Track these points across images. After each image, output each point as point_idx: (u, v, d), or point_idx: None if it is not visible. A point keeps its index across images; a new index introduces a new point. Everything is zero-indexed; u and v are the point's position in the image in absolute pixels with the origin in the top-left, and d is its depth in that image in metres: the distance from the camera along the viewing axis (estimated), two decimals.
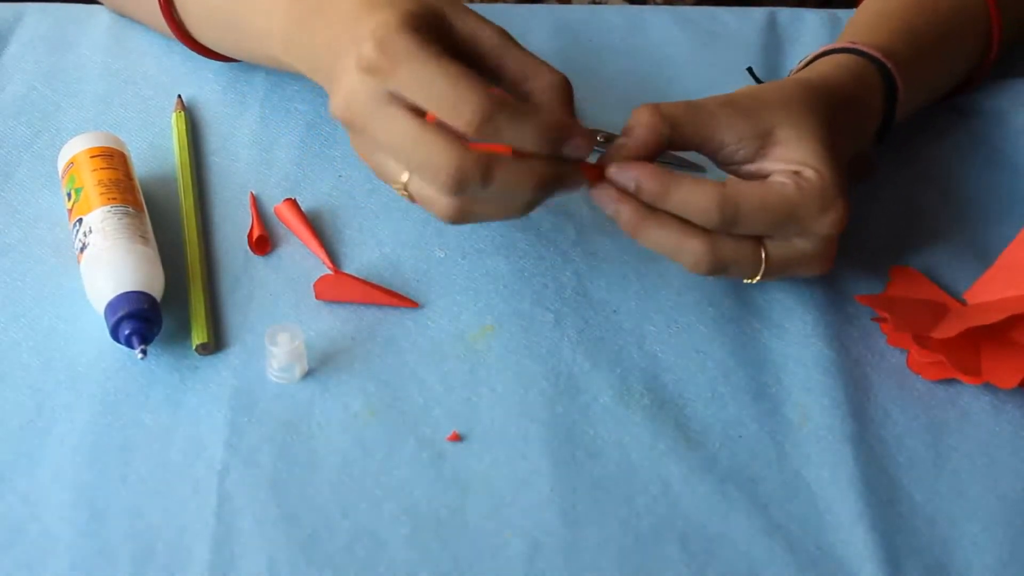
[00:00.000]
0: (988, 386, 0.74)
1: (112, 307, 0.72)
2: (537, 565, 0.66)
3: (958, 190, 0.86)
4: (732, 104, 0.73)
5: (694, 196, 0.70)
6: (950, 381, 0.75)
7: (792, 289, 0.79)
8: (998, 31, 0.87)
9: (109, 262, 0.74)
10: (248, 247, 0.80)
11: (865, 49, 0.80)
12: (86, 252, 0.75)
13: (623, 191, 0.71)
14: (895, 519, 0.69)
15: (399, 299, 0.77)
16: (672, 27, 0.96)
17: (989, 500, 0.70)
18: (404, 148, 0.68)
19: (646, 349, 0.76)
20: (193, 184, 0.83)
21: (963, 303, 0.78)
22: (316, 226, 0.81)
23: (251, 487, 0.69)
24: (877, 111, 0.80)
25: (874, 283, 0.80)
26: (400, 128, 0.67)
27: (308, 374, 0.74)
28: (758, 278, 0.74)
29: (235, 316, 0.76)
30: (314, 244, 0.80)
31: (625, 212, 0.71)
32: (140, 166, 0.83)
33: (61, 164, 0.81)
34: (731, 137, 0.72)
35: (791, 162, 0.72)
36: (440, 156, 0.66)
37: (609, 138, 0.86)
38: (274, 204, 0.82)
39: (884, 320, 0.77)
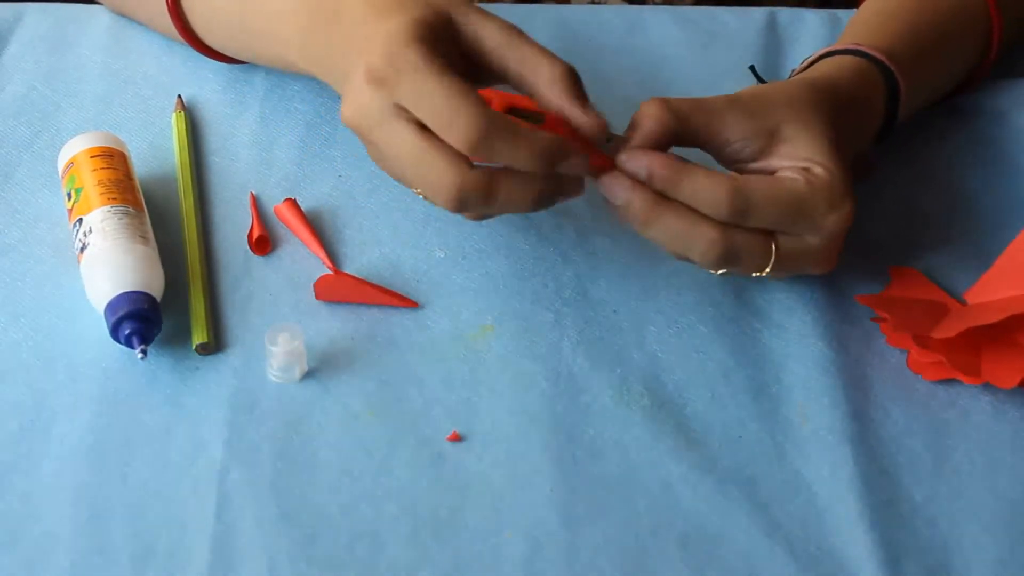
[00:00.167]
0: (988, 386, 0.74)
1: (112, 307, 0.72)
2: (537, 565, 0.66)
3: (958, 190, 0.86)
4: (737, 102, 0.73)
5: (706, 185, 0.70)
6: (950, 381, 0.75)
7: (792, 289, 0.79)
8: (998, 31, 0.87)
9: (109, 262, 0.74)
10: (248, 247, 0.80)
11: (867, 50, 0.80)
12: (86, 252, 0.75)
13: (633, 182, 0.70)
14: (895, 519, 0.69)
15: (399, 299, 0.77)
16: (672, 27, 0.96)
17: (989, 500, 0.70)
18: (407, 163, 0.69)
19: (646, 349, 0.76)
20: (193, 184, 0.83)
21: (963, 303, 0.78)
22: (316, 226, 0.81)
23: (251, 487, 0.69)
24: (879, 112, 0.80)
25: (874, 283, 0.80)
26: (403, 143, 0.68)
27: (308, 374, 0.74)
28: (767, 271, 0.73)
29: (235, 316, 0.76)
30: (314, 244, 0.80)
31: (637, 201, 0.70)
32: (140, 166, 0.83)
33: (61, 164, 0.81)
34: (736, 134, 0.72)
35: (799, 159, 0.72)
36: (441, 175, 0.67)
37: (611, 138, 0.86)
38: (274, 204, 0.82)
39: (884, 320, 0.77)
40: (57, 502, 0.68)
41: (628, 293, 0.78)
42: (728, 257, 0.71)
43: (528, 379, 0.74)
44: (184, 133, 0.86)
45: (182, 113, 0.87)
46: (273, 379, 0.73)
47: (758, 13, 0.97)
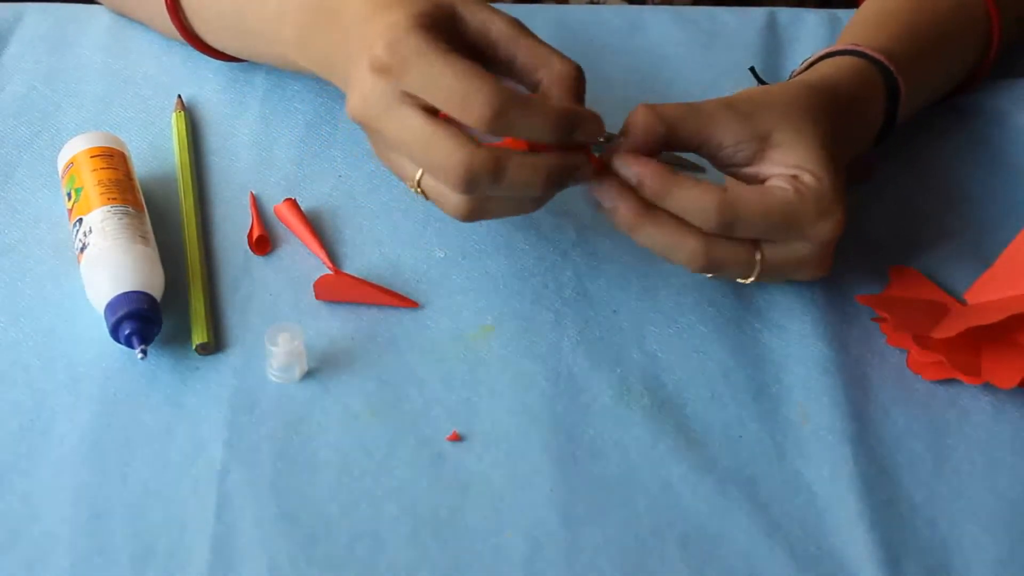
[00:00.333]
0: (988, 386, 0.74)
1: (112, 307, 0.72)
2: (537, 565, 0.66)
3: (958, 190, 0.86)
4: (731, 106, 0.73)
5: (694, 198, 0.70)
6: (950, 381, 0.75)
7: (792, 289, 0.79)
8: (998, 31, 0.87)
9: (109, 262, 0.74)
10: (248, 247, 0.80)
11: (867, 51, 0.80)
12: (86, 252, 0.75)
13: (622, 188, 0.71)
14: (895, 519, 0.69)
15: (399, 299, 0.77)
16: (671, 27, 0.96)
17: (989, 500, 0.70)
18: (416, 147, 0.68)
19: (646, 349, 0.76)
20: (193, 184, 0.83)
21: (963, 303, 0.78)
22: (316, 226, 0.81)
23: (251, 487, 0.69)
24: (879, 113, 0.80)
25: (874, 283, 0.80)
26: (411, 127, 0.68)
27: (308, 374, 0.74)
28: (752, 279, 0.74)
29: (235, 316, 0.76)
30: (314, 244, 0.80)
31: (622, 209, 0.71)
32: (140, 166, 0.83)
33: (61, 164, 0.81)
34: (729, 139, 0.72)
35: (789, 166, 0.72)
36: (450, 154, 0.67)
37: (609, 138, 0.86)
38: (274, 204, 0.82)
39: (884, 320, 0.77)
40: (57, 502, 0.68)
41: (628, 293, 0.79)
42: (710, 267, 0.72)
43: (528, 379, 0.74)
44: (184, 133, 0.86)
45: (182, 113, 0.87)
46: (273, 379, 0.73)
47: (758, 13, 0.97)
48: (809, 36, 0.95)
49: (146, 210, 0.79)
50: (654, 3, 1.01)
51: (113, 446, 0.70)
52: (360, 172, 0.85)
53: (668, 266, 0.79)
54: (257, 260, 0.80)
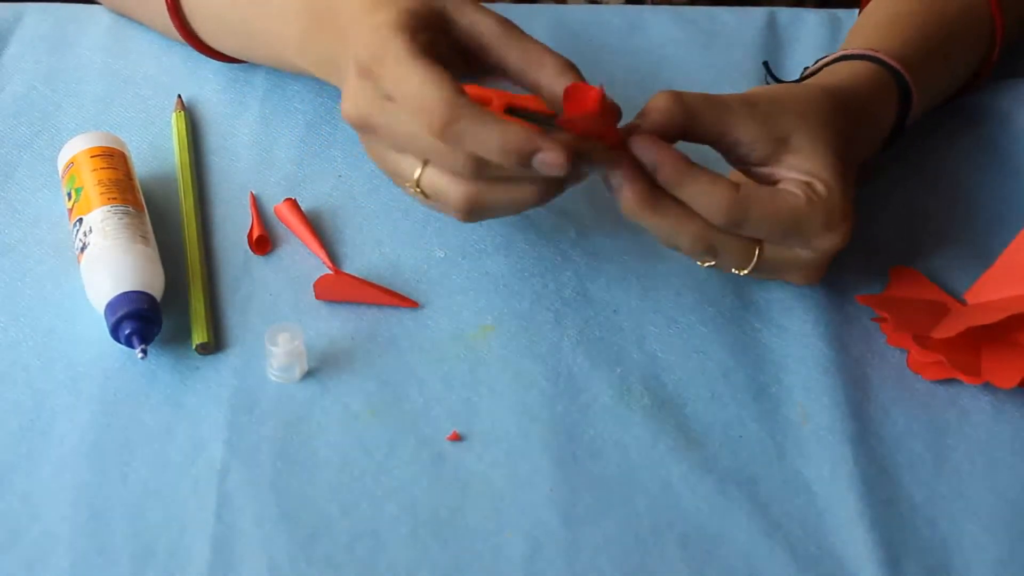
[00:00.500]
0: (988, 386, 0.74)
1: (112, 307, 0.72)
2: (537, 565, 0.66)
3: (958, 190, 0.86)
4: (752, 104, 0.72)
5: (707, 192, 0.69)
6: (950, 381, 0.75)
7: (792, 289, 0.79)
8: (1001, 31, 0.87)
9: (109, 262, 0.74)
10: (248, 247, 0.80)
11: (884, 58, 0.80)
12: (86, 252, 0.75)
13: (633, 170, 0.69)
14: (895, 519, 0.69)
15: (399, 299, 0.77)
16: (672, 27, 0.96)
17: (989, 500, 0.70)
18: (418, 138, 0.68)
19: (646, 349, 0.76)
20: (193, 184, 0.83)
21: (963, 303, 0.78)
22: (316, 226, 0.81)
23: (251, 487, 0.69)
24: (891, 120, 0.80)
25: (874, 283, 0.80)
26: (403, 122, 0.68)
27: (308, 374, 0.74)
28: (746, 272, 0.74)
29: (235, 316, 0.76)
30: (314, 244, 0.80)
31: (628, 192, 0.70)
32: (140, 166, 0.83)
33: (61, 164, 0.81)
34: (747, 137, 0.72)
35: (803, 172, 0.72)
36: (443, 149, 0.67)
37: (548, 120, 0.86)
38: (274, 204, 0.82)
39: (884, 320, 0.77)
40: (57, 502, 0.68)
41: (628, 293, 0.78)
42: (707, 255, 0.72)
43: (528, 379, 0.74)
44: (184, 133, 0.86)
45: (182, 113, 0.87)
46: (273, 379, 0.73)
47: (758, 13, 0.97)
48: (809, 36, 0.95)
49: (146, 210, 0.79)
50: (653, 3, 1.01)
51: (113, 446, 0.70)
52: (360, 172, 0.85)
53: (668, 266, 0.79)
54: (257, 260, 0.80)
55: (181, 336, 0.75)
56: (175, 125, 0.87)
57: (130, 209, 0.77)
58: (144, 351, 0.72)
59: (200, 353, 0.74)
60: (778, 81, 0.86)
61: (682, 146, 0.72)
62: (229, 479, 0.69)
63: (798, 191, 0.71)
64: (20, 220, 0.82)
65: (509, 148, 0.65)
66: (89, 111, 0.89)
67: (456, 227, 0.81)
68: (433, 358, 0.75)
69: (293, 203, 0.81)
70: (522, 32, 0.72)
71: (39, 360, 0.74)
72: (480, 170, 0.67)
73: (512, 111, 0.87)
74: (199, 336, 0.74)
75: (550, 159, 0.65)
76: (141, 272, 0.74)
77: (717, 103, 0.72)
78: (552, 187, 0.69)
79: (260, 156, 0.86)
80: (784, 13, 0.97)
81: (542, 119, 0.84)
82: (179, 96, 0.89)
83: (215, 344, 0.75)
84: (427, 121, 0.66)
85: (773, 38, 0.96)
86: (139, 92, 0.90)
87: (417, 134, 0.67)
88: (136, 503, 0.68)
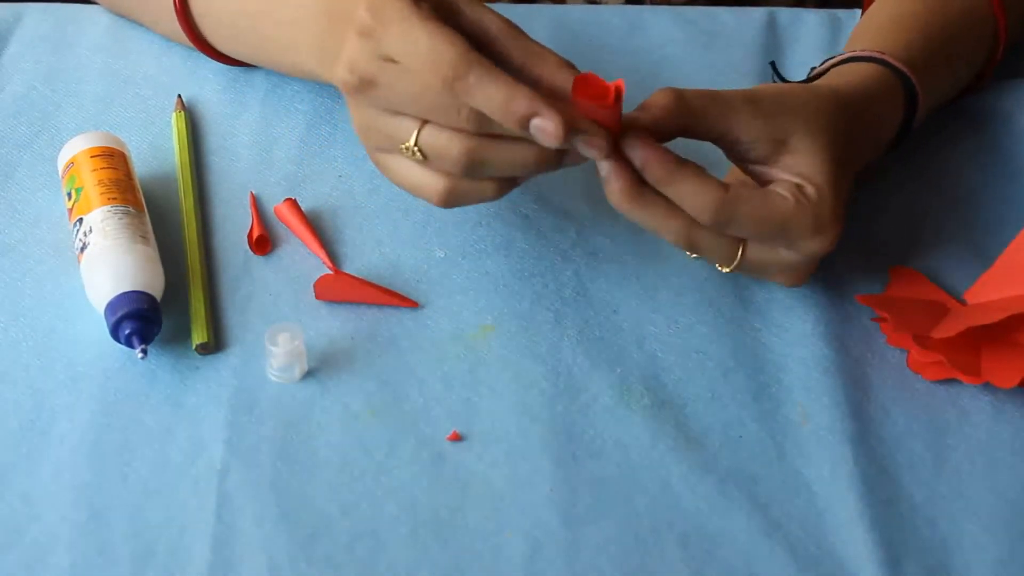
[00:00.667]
0: (988, 386, 0.74)
1: (112, 307, 0.72)
2: (537, 565, 0.66)
3: (958, 190, 0.86)
4: (756, 102, 0.72)
5: (694, 192, 0.69)
6: (950, 381, 0.75)
7: (792, 289, 0.79)
8: (1004, 31, 0.87)
9: (109, 262, 0.74)
10: (248, 247, 0.80)
11: (891, 61, 0.79)
12: (86, 252, 0.75)
13: (621, 162, 0.69)
14: (895, 519, 0.69)
15: (399, 299, 0.77)
16: (671, 27, 0.96)
17: (989, 500, 0.70)
18: (408, 103, 0.68)
19: (646, 349, 0.76)
20: (193, 184, 0.83)
21: (963, 303, 0.78)
22: (316, 226, 0.81)
23: (251, 487, 0.69)
24: (896, 123, 0.80)
25: (874, 283, 0.80)
26: (400, 82, 0.68)
27: (308, 374, 0.74)
28: (729, 269, 0.74)
29: (235, 316, 0.76)
30: (314, 244, 0.80)
31: (615, 185, 0.70)
32: (140, 166, 0.83)
33: (61, 164, 0.81)
34: (747, 136, 0.71)
35: (797, 174, 0.72)
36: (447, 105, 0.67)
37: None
38: (274, 204, 0.82)
39: (884, 320, 0.77)
40: (57, 502, 0.68)
41: (628, 293, 0.79)
42: (690, 249, 0.72)
43: (528, 379, 0.74)
44: (184, 133, 0.86)
45: (182, 113, 0.87)
46: (273, 379, 0.73)
47: (757, 13, 0.97)
48: (809, 36, 0.95)
49: (146, 210, 0.79)
50: (653, 3, 1.01)
51: (113, 446, 0.70)
52: (360, 172, 0.85)
53: (668, 267, 0.79)
54: (257, 260, 0.80)
55: (181, 336, 0.75)
56: (175, 125, 0.87)
57: (130, 209, 0.77)
58: (144, 351, 0.72)
59: (200, 353, 0.74)
60: (784, 81, 0.86)
61: (683, 141, 0.72)
62: (229, 479, 0.69)
63: (787, 194, 0.71)
64: (20, 220, 0.82)
65: (512, 107, 0.66)
66: (89, 111, 0.89)
67: (456, 227, 0.81)
68: (433, 358, 0.75)
69: (293, 203, 0.81)
70: (525, 34, 0.72)
71: (39, 360, 0.74)
72: (481, 126, 0.67)
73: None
74: (199, 336, 0.74)
75: (546, 127, 0.66)
76: (141, 272, 0.74)
77: (720, 101, 0.72)
78: (551, 156, 0.69)
79: (260, 156, 0.86)
80: (784, 13, 0.97)
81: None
82: (179, 96, 0.89)
83: (215, 344, 0.75)
84: (438, 75, 0.66)
85: (773, 38, 0.96)
86: (139, 92, 0.90)
87: (419, 92, 0.67)
88: (136, 503, 0.68)
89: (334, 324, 0.76)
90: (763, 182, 0.73)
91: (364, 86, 0.69)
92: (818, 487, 0.70)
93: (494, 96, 0.66)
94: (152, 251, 0.76)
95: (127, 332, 0.72)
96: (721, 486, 0.70)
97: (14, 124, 0.88)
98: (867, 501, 0.69)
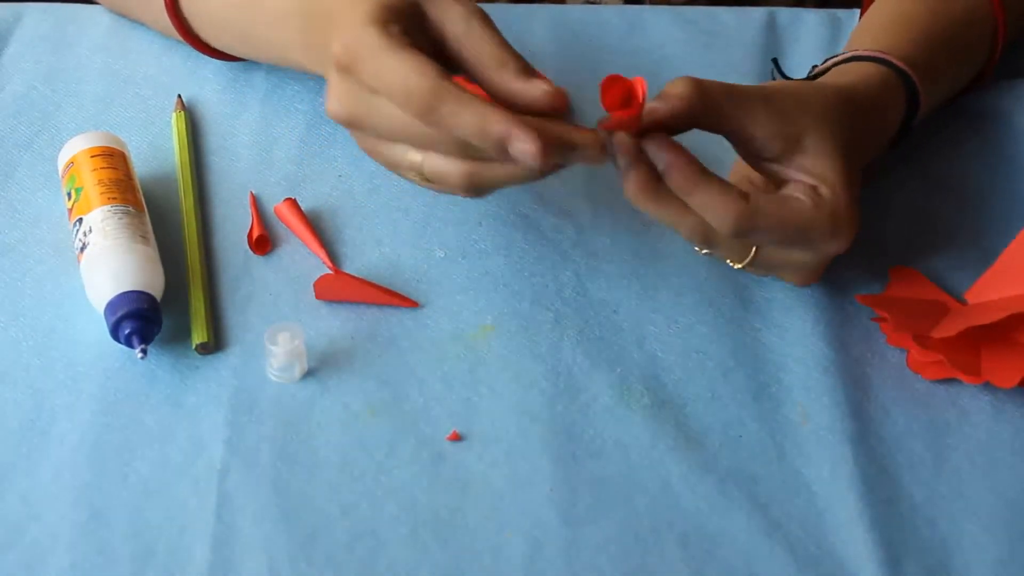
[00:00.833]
0: (988, 386, 0.74)
1: (112, 307, 0.72)
2: (537, 564, 0.66)
3: (959, 190, 0.86)
4: (771, 99, 0.72)
5: (716, 204, 0.68)
6: (950, 381, 0.75)
7: (792, 289, 0.79)
8: (1003, 29, 0.87)
9: (109, 262, 0.74)
10: (248, 247, 0.80)
11: (894, 61, 0.79)
12: (86, 252, 0.75)
13: (639, 158, 0.68)
14: (895, 518, 0.69)
15: (399, 299, 0.77)
16: (671, 27, 0.96)
17: (989, 499, 0.70)
18: (409, 125, 0.67)
19: (646, 349, 0.76)
20: (193, 184, 0.83)
21: (963, 303, 0.78)
22: (316, 226, 0.81)
23: (251, 486, 0.69)
24: (896, 123, 0.80)
25: (874, 283, 0.80)
26: (389, 117, 0.67)
27: (308, 374, 0.74)
28: (740, 267, 0.74)
29: (235, 316, 0.76)
30: (314, 244, 0.80)
31: (632, 179, 0.69)
32: (140, 166, 0.83)
33: (61, 164, 0.81)
34: (762, 133, 0.71)
35: (812, 175, 0.71)
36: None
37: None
38: (274, 204, 0.82)
39: (884, 320, 0.77)
40: (57, 502, 0.68)
41: (628, 293, 0.78)
42: (704, 245, 0.72)
43: (528, 379, 0.74)
44: (184, 133, 0.86)
45: (182, 113, 0.87)
46: (273, 379, 0.73)
47: (757, 13, 0.97)
48: (809, 36, 0.95)
49: (146, 210, 0.79)
50: (652, 3, 1.01)
51: (113, 446, 0.70)
52: (360, 172, 0.85)
53: (668, 267, 0.79)
54: (257, 260, 0.80)
55: (181, 336, 0.75)
56: (175, 125, 0.87)
57: (130, 209, 0.77)
58: (144, 351, 0.72)
59: (200, 353, 0.74)
60: (787, 78, 0.85)
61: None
62: (229, 479, 0.69)
63: (805, 198, 0.71)
64: (20, 220, 0.82)
65: (487, 133, 0.64)
66: (89, 111, 0.89)
67: (456, 227, 0.81)
68: (433, 358, 0.75)
69: (293, 203, 0.81)
70: (487, 27, 0.70)
71: (39, 360, 0.74)
72: (471, 150, 0.67)
73: None
74: (199, 336, 0.74)
75: (524, 148, 0.64)
76: (141, 272, 0.74)
77: (736, 95, 0.71)
78: (551, 166, 0.67)
79: (260, 156, 0.86)
80: (784, 13, 0.97)
81: (548, 114, 0.83)
82: (179, 96, 0.89)
83: (215, 344, 0.75)
84: (413, 109, 0.65)
85: (773, 38, 0.96)
86: (139, 92, 0.90)
87: (405, 124, 0.67)
88: (136, 503, 0.68)
89: (334, 324, 0.76)
90: (775, 180, 0.73)
91: (354, 121, 0.70)
92: (818, 487, 0.70)
93: (468, 123, 0.65)
94: (152, 251, 0.76)
95: (127, 332, 0.72)
96: (721, 486, 0.70)
97: (14, 124, 0.88)
98: (867, 501, 0.69)
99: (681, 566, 0.67)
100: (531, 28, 0.95)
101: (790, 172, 0.72)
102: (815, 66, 0.84)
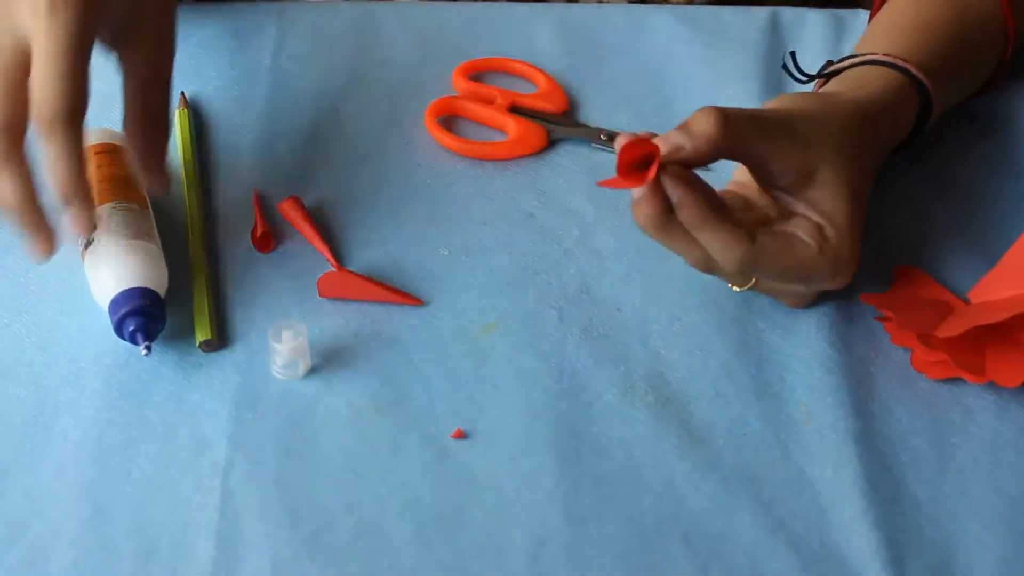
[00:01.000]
0: (992, 385, 0.74)
1: (116, 303, 0.72)
2: (541, 562, 0.66)
3: (963, 190, 0.86)
4: (791, 129, 0.71)
5: (723, 243, 0.69)
6: (954, 380, 0.75)
7: None
8: (1012, 31, 0.87)
9: (113, 258, 0.74)
10: (252, 244, 0.80)
11: (914, 72, 0.79)
12: (90, 248, 0.75)
13: (652, 189, 0.68)
14: (898, 517, 0.69)
15: (403, 296, 0.77)
16: (675, 26, 0.96)
17: (992, 499, 0.70)
18: None
19: (650, 347, 0.76)
20: (197, 181, 0.83)
21: (967, 302, 0.78)
22: (320, 223, 0.81)
23: (255, 483, 0.69)
24: (907, 129, 0.81)
25: (878, 282, 0.80)
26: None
27: (312, 371, 0.74)
28: (740, 291, 0.77)
29: (239, 313, 0.76)
30: (318, 241, 0.80)
31: (644, 211, 0.69)
32: None
33: None
34: (782, 164, 0.71)
35: (820, 212, 0.72)
36: None
37: (611, 136, 0.86)
38: (278, 201, 0.82)
39: (888, 319, 0.77)
40: (60, 498, 0.68)
41: (632, 291, 0.79)
42: (710, 272, 0.73)
43: (532, 376, 0.74)
44: (188, 130, 0.86)
45: (186, 110, 0.87)
46: (277, 376, 0.73)
47: (761, 13, 0.97)
48: (812, 36, 0.95)
49: (150, 207, 0.79)
50: (656, 3, 1.01)
51: (116, 442, 0.70)
52: (364, 170, 0.85)
53: (672, 266, 0.79)
54: (261, 257, 0.80)
55: (185, 333, 0.75)
56: (179, 122, 0.86)
57: (134, 206, 0.77)
58: (148, 348, 0.72)
59: (204, 350, 0.74)
60: (801, 72, 0.84)
61: None
62: (233, 476, 0.69)
63: (810, 240, 0.71)
64: None
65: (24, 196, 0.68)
66: (92, 108, 0.88)
67: (460, 225, 0.81)
68: (437, 356, 0.75)
69: (297, 200, 0.81)
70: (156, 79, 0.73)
71: (43, 356, 0.74)
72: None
73: (515, 110, 0.88)
74: (203, 333, 0.74)
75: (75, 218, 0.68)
76: (145, 269, 0.74)
77: (759, 126, 0.70)
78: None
79: (264, 153, 0.86)
80: (787, 13, 0.97)
81: (547, 118, 0.85)
82: (183, 93, 0.89)
83: (219, 341, 0.75)
84: None
85: (776, 38, 0.96)
86: None
87: None
88: (139, 500, 0.68)
89: (338, 321, 0.76)
90: (783, 209, 0.73)
91: None
92: (821, 485, 0.70)
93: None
94: (156, 248, 0.76)
95: (131, 329, 0.72)
96: (725, 484, 0.70)
97: None
98: (871, 500, 0.69)
99: (684, 564, 0.67)
100: (536, 27, 0.95)
101: (799, 206, 0.72)
102: (830, 61, 0.83)
